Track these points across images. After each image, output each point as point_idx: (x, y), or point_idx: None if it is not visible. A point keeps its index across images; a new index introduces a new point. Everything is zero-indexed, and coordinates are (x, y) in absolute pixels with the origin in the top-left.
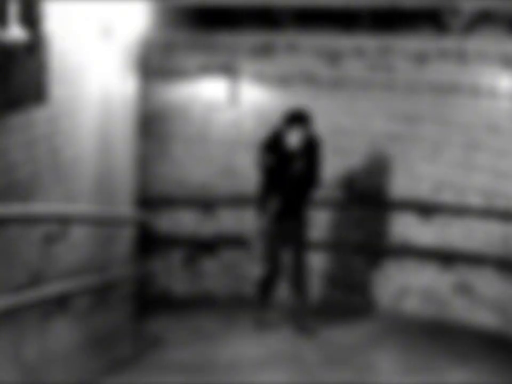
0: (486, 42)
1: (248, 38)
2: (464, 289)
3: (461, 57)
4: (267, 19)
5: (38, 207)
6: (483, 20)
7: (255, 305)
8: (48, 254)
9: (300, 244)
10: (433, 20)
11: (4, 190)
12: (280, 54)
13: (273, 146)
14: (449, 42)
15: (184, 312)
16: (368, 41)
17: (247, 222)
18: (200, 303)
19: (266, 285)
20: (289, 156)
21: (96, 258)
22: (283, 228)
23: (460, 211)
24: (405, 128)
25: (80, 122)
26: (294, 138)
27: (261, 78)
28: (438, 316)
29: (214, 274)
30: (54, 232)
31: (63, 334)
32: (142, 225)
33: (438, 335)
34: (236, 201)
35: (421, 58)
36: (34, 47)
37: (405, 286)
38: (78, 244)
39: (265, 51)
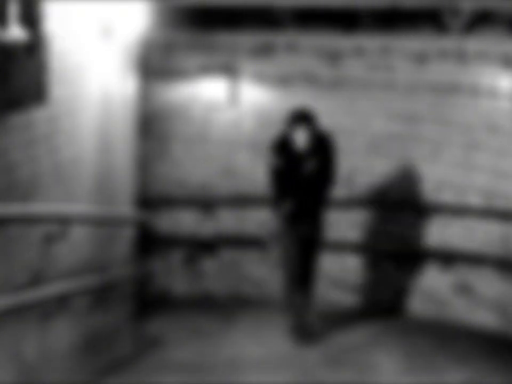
0: (486, 42)
1: (248, 38)
2: (464, 289)
3: (461, 57)
4: (267, 19)
5: (38, 207)
6: (483, 20)
7: (288, 311)
8: (48, 254)
9: (313, 245)
10: (433, 20)
11: (4, 190)
12: (280, 54)
13: (281, 148)
14: (449, 42)
15: (184, 312)
16: (368, 41)
17: (247, 222)
18: (200, 303)
19: (292, 289)
20: (299, 157)
21: (96, 258)
22: (298, 230)
23: (459, 211)
24: (405, 128)
25: (80, 122)
26: (300, 138)
27: (261, 78)
28: (438, 316)
29: (214, 274)
30: (54, 232)
31: (63, 334)
32: (142, 225)
33: (438, 335)
34: (236, 201)
35: (421, 58)
36: (34, 47)
37: (405, 286)
38: (78, 244)
39: (265, 51)
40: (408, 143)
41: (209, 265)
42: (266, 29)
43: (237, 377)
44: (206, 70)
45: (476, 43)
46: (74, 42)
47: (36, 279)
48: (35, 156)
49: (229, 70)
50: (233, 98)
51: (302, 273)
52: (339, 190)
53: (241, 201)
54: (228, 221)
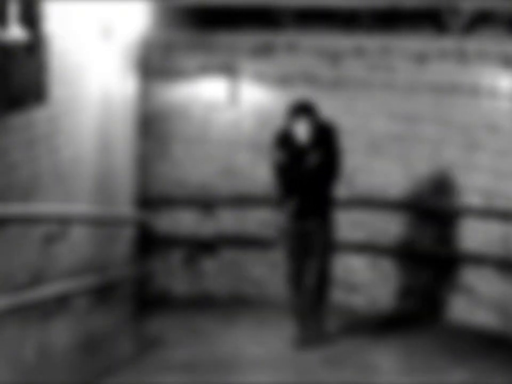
0: (486, 42)
1: (248, 38)
2: (464, 289)
3: (461, 57)
4: (267, 19)
5: (38, 207)
6: (483, 20)
7: (290, 312)
8: (48, 254)
9: (321, 245)
10: (433, 20)
11: (4, 190)
12: (280, 54)
13: (283, 143)
14: (449, 42)
15: (184, 312)
16: (368, 41)
17: (247, 222)
18: (200, 303)
19: (295, 293)
20: (301, 151)
21: (96, 258)
22: (303, 227)
23: (459, 211)
24: (405, 128)
25: (80, 122)
26: (301, 131)
27: (261, 78)
28: (438, 316)
29: (214, 274)
30: (54, 232)
31: (63, 334)
32: (141, 225)
33: (438, 335)
34: (236, 201)
35: (421, 58)
36: (34, 47)
37: (404, 286)
38: (78, 244)
39: (265, 51)
40: (408, 143)
41: (209, 265)
42: (266, 29)
43: (236, 377)
44: (206, 70)
45: (475, 43)
46: (74, 42)
47: (36, 279)
48: (35, 156)
49: (229, 70)
50: (233, 98)
51: (309, 278)
52: (339, 190)
53: (241, 201)
54: (228, 221)
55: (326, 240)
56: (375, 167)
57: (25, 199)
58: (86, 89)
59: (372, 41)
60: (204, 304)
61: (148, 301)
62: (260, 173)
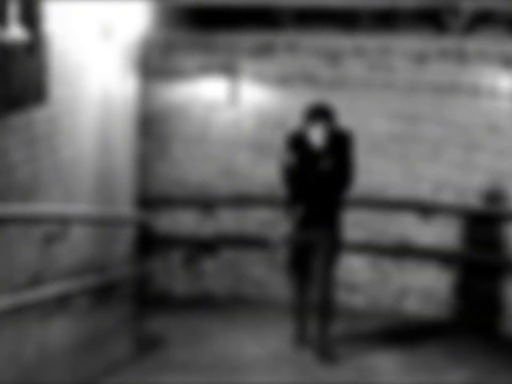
0: (486, 42)
1: (248, 38)
2: (463, 289)
3: (461, 57)
4: (267, 19)
5: (38, 207)
6: (483, 20)
7: (292, 314)
8: (48, 254)
9: (328, 254)
10: (433, 20)
11: (4, 190)
12: (280, 54)
13: (296, 145)
14: (449, 42)
15: (184, 312)
16: (368, 41)
17: (247, 222)
18: (200, 303)
19: (300, 297)
20: (314, 155)
21: (96, 258)
22: (311, 234)
23: (460, 211)
24: (404, 128)
25: (80, 122)
26: (316, 135)
27: (261, 78)
28: (437, 316)
29: (214, 274)
30: (54, 232)
31: (63, 334)
32: (141, 225)
33: (437, 335)
34: (236, 201)
35: (421, 58)
36: (34, 47)
37: (405, 286)
38: (78, 244)
39: (265, 51)
40: (408, 143)
41: (209, 265)
42: (266, 29)
43: (237, 377)
44: (206, 70)
45: (475, 43)
46: (74, 42)
47: (36, 279)
48: (35, 156)
49: (229, 70)
50: (233, 98)
51: (318, 290)
52: None
53: (241, 201)
54: (228, 221)
55: (335, 250)
56: (375, 167)
57: (25, 199)
58: (86, 89)
59: (371, 41)
60: (204, 304)
61: (148, 301)
62: (260, 173)
